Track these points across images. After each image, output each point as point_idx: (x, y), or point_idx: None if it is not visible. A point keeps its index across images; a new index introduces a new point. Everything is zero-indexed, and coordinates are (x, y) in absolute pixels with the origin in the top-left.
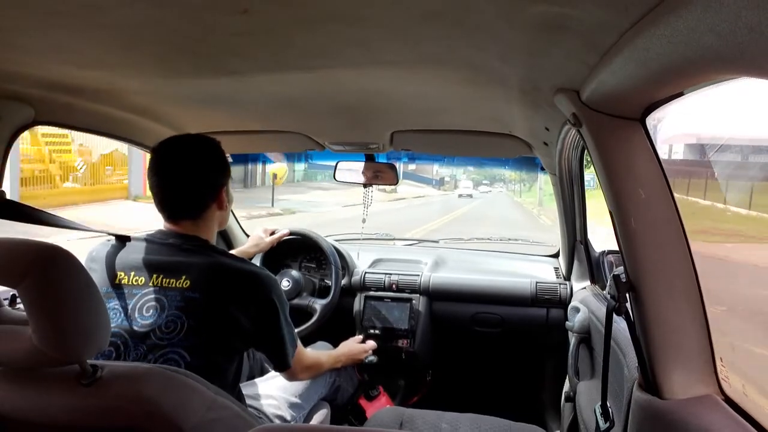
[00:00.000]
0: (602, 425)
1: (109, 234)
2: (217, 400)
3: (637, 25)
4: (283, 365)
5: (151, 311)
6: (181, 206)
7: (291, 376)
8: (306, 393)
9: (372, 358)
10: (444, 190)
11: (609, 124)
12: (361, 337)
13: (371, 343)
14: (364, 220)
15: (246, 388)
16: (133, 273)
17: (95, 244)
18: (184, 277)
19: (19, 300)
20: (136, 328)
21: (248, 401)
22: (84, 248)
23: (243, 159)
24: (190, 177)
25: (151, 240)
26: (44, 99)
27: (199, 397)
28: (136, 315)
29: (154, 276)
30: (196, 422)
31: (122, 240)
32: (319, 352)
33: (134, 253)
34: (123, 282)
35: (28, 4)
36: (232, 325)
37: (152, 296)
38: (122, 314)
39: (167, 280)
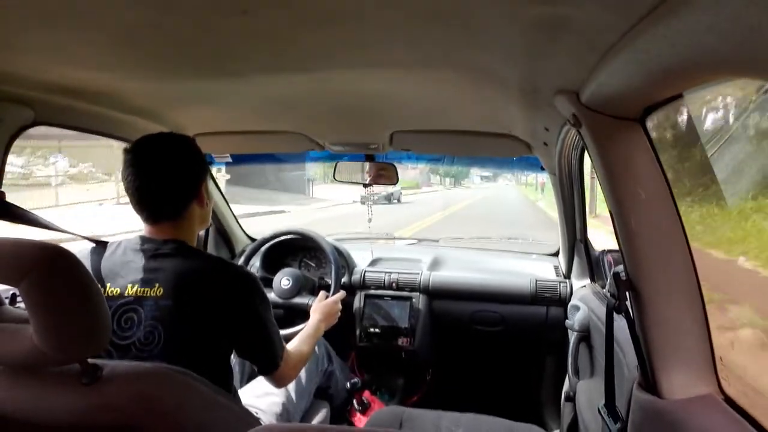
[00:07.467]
0: (612, 427)
1: (88, 239)
2: (218, 399)
3: (638, 26)
4: (271, 367)
5: (130, 323)
6: (162, 206)
7: (279, 380)
8: (303, 388)
9: (356, 380)
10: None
11: (609, 125)
12: (324, 293)
13: (340, 294)
14: (369, 220)
15: (245, 387)
16: (109, 285)
17: (75, 249)
18: (157, 285)
19: (19, 299)
20: (117, 341)
21: (248, 400)
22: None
23: (243, 159)
24: (170, 174)
25: (126, 247)
26: (44, 100)
27: (199, 396)
28: (116, 328)
29: (129, 286)
30: (196, 421)
31: (101, 246)
32: (297, 341)
33: (110, 261)
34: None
35: (28, 5)
36: (212, 330)
37: (129, 307)
38: None
39: (142, 290)
